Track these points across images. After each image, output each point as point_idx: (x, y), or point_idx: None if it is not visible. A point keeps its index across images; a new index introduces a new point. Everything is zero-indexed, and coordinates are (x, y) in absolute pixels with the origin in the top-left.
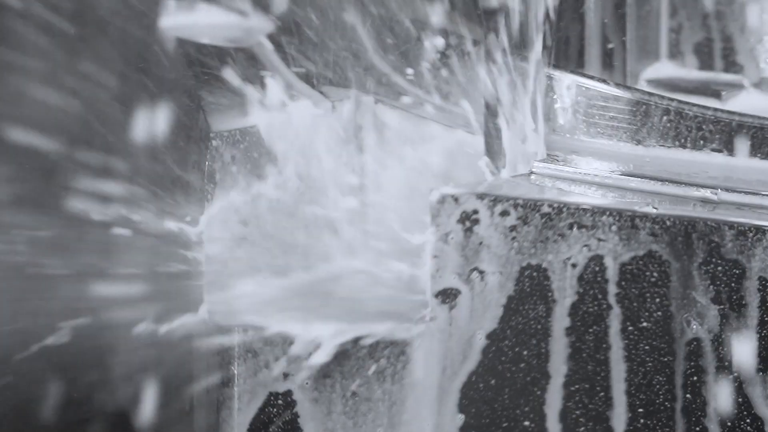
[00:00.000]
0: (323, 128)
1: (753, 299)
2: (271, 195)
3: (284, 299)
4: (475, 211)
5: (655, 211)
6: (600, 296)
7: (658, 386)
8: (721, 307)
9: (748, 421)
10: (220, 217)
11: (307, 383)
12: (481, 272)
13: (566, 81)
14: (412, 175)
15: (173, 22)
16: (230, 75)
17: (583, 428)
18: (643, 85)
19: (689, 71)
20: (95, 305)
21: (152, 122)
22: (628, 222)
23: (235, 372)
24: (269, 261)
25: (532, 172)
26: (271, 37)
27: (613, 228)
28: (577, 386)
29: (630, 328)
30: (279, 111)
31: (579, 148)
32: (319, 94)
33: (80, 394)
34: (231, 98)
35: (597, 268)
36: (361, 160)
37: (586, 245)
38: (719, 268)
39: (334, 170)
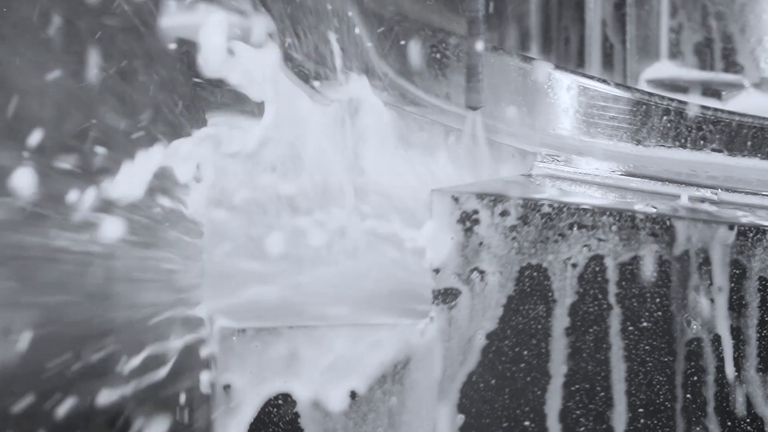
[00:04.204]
0: (324, 126)
1: (753, 299)
2: (274, 193)
3: (287, 298)
4: (475, 211)
5: (655, 211)
6: (600, 296)
7: (658, 386)
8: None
9: (748, 421)
10: (219, 216)
11: (307, 382)
12: (481, 272)
13: (566, 81)
14: (412, 174)
15: (174, 22)
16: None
17: (583, 428)
18: (643, 85)
19: (689, 71)
20: None
21: None
22: (628, 222)
23: (236, 371)
24: (270, 259)
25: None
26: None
27: (613, 228)
28: (577, 386)
29: (630, 328)
30: (280, 109)
31: (579, 148)
32: (318, 93)
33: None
34: (231, 96)
35: (597, 268)
36: (363, 159)
37: (586, 245)
38: (719, 268)
39: (335, 169)
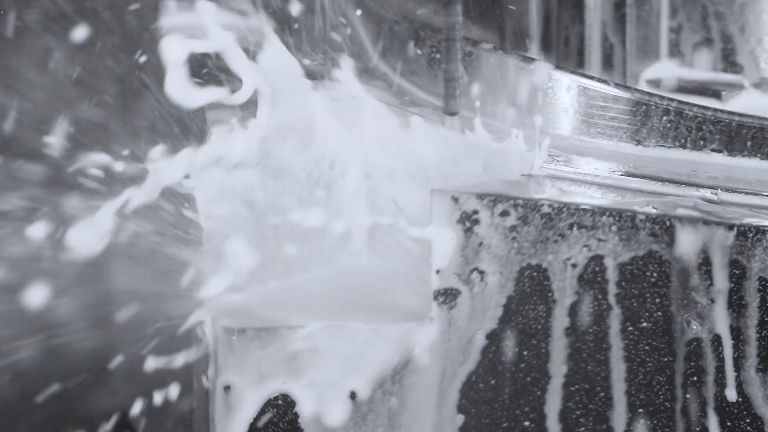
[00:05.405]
0: (321, 125)
1: (753, 299)
2: (276, 193)
3: (288, 298)
4: (475, 211)
5: (655, 211)
6: (600, 296)
7: (658, 386)
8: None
9: (748, 421)
10: (220, 213)
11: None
12: (481, 272)
13: (566, 81)
14: (414, 175)
15: (174, 22)
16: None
17: (583, 428)
18: (643, 85)
19: (689, 71)
20: None
21: None
22: (628, 222)
23: (236, 371)
24: (272, 258)
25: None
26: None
27: (613, 228)
28: (577, 386)
29: (630, 328)
30: (276, 108)
31: (579, 148)
32: (318, 92)
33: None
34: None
35: (597, 269)
36: (362, 159)
37: (586, 245)
38: (719, 268)
39: (338, 169)
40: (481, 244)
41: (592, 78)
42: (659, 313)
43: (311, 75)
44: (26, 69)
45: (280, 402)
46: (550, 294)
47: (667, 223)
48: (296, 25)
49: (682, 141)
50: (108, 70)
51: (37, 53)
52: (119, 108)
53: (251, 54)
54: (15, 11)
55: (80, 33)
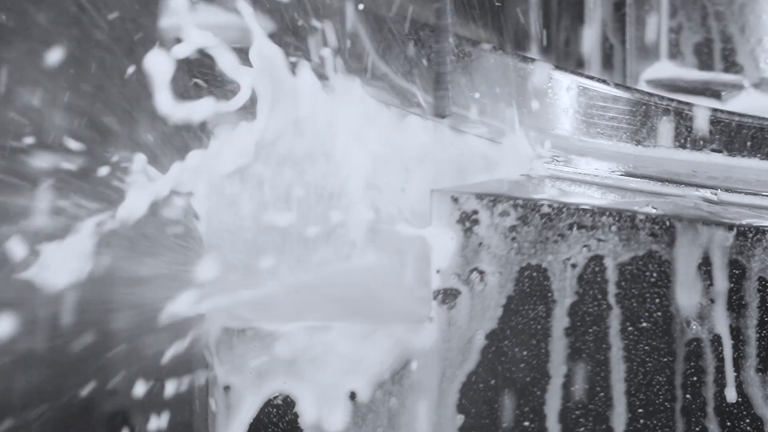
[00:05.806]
0: (320, 126)
1: (753, 299)
2: (274, 194)
3: (287, 298)
4: (475, 212)
5: (655, 211)
6: (600, 296)
7: (658, 386)
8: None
9: (748, 421)
10: (219, 213)
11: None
12: (481, 272)
13: (566, 81)
14: (413, 175)
15: (173, 22)
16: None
17: (583, 428)
18: (643, 86)
19: (689, 71)
20: None
21: None
22: (628, 222)
23: (236, 371)
24: (271, 259)
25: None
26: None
27: (613, 228)
28: (577, 386)
29: (630, 328)
30: (275, 110)
31: (579, 148)
32: (317, 93)
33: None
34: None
35: (597, 269)
36: (364, 160)
37: (586, 245)
38: (719, 269)
39: (336, 169)
40: (480, 244)
41: (592, 78)
42: (659, 313)
43: (310, 75)
44: (10, 74)
45: (279, 402)
46: (549, 294)
47: (667, 223)
48: (295, 24)
49: (682, 141)
50: (100, 76)
51: (23, 58)
52: (110, 114)
53: (246, 55)
54: None
55: (70, 39)
